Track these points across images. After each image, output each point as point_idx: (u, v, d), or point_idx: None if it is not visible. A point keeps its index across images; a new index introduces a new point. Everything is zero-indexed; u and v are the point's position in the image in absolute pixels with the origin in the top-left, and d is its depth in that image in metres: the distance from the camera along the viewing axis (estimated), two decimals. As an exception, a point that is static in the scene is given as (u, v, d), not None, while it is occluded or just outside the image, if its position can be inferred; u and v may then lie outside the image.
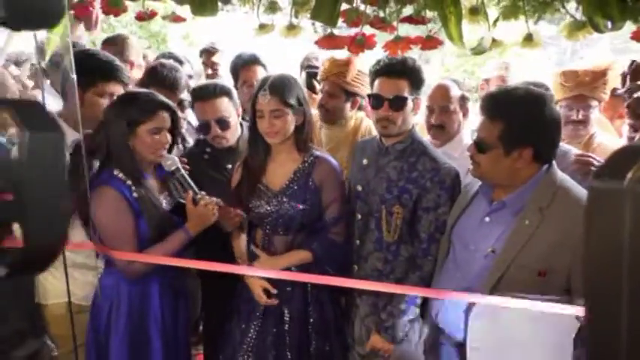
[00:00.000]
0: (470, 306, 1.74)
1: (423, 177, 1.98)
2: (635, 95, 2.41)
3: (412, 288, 1.97)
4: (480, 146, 1.67)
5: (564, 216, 1.59)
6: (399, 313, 2.00)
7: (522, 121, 1.61)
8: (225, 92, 2.30)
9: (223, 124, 2.28)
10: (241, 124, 2.42)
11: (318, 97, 2.77)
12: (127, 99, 2.04)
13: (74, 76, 1.96)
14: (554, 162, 1.71)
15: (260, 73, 2.87)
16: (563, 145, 2.30)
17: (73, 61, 1.99)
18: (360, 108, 2.78)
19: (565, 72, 2.46)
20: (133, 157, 2.00)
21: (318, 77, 2.73)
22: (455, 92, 2.55)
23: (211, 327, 2.34)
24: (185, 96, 2.56)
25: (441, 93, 2.54)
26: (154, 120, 2.00)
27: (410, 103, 2.02)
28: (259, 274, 2.05)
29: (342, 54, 2.47)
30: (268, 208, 2.06)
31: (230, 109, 2.30)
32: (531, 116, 1.62)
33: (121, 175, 1.98)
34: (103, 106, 2.10)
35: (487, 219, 1.76)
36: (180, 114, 2.51)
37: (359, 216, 2.12)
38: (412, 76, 2.01)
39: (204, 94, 2.28)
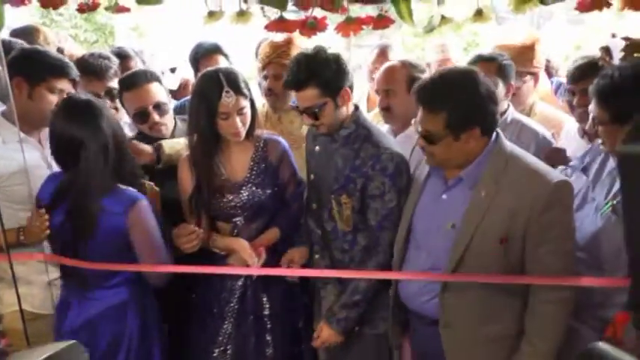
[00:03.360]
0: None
1: (365, 164, 1.90)
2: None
3: (379, 273, 1.92)
4: (428, 138, 1.67)
5: (517, 182, 1.64)
6: (352, 305, 1.95)
7: (464, 106, 1.62)
8: (156, 78, 2.24)
9: (161, 109, 2.21)
10: (175, 118, 2.35)
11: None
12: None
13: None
14: (500, 132, 1.74)
15: (222, 63, 2.74)
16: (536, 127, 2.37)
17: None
18: None
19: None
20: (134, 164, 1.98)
21: (259, 65, 2.63)
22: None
23: (178, 323, 2.28)
24: (115, 84, 2.45)
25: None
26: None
27: (327, 107, 1.88)
28: (239, 272, 2.05)
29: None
30: (238, 201, 2.04)
31: (164, 93, 2.24)
32: (470, 99, 1.62)
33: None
34: (53, 102, 2.01)
35: (444, 196, 1.77)
36: (109, 103, 2.44)
37: (314, 205, 2.08)
38: (320, 81, 1.84)
39: (137, 81, 2.19)
